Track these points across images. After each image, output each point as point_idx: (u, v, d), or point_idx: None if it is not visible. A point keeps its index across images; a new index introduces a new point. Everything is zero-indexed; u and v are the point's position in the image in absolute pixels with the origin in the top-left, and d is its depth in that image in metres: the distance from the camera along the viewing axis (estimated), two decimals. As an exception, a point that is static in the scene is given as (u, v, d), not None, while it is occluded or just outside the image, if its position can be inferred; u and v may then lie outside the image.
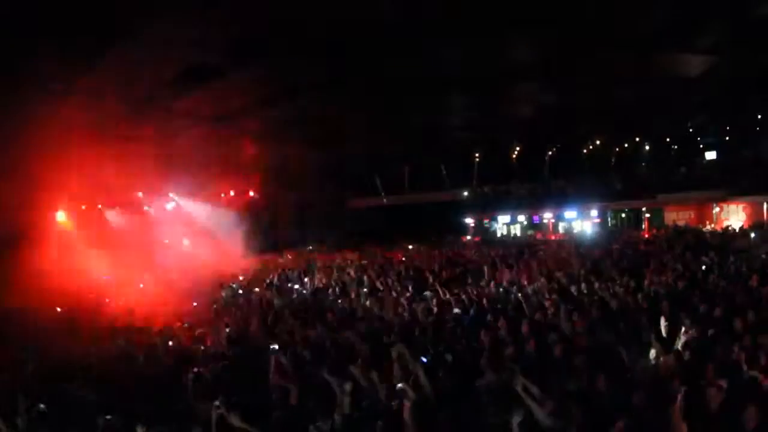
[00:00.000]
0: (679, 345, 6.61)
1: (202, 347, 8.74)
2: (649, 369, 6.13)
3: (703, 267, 12.36)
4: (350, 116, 21.97)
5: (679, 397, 4.53)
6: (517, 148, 34.71)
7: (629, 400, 5.08)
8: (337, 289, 13.60)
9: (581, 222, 32.97)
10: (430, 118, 25.05)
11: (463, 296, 10.92)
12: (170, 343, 9.29)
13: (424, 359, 6.85)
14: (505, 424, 4.70)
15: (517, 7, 13.30)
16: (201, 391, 6.41)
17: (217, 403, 5.45)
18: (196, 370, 6.96)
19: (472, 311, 9.67)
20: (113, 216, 20.22)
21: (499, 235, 34.41)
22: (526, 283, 11.96)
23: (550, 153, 34.92)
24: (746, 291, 9.20)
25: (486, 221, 35.97)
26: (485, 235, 33.68)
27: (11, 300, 12.79)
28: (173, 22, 12.20)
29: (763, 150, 27.59)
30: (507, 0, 13.04)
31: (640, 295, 9.63)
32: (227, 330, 9.77)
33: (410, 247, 25.31)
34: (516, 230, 35.22)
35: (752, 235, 19.23)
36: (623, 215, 33.21)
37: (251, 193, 28.63)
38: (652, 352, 6.46)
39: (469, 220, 35.31)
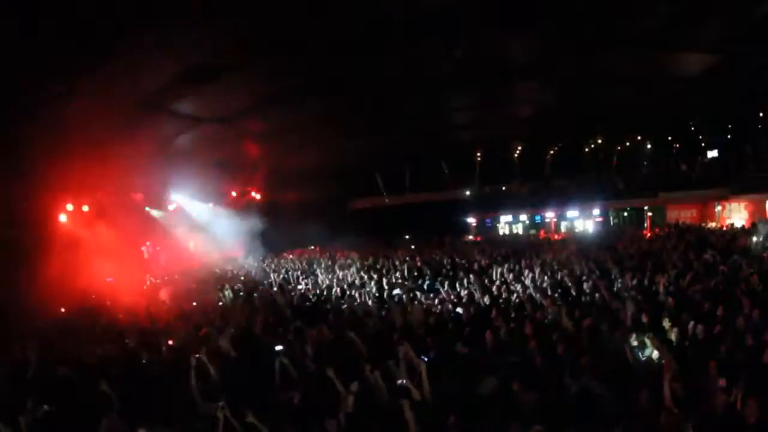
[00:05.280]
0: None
1: (206, 347, 8.74)
2: (651, 367, 6.13)
3: (705, 265, 12.34)
4: (351, 116, 21.99)
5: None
6: (519, 147, 34.72)
7: (631, 398, 5.09)
8: (339, 289, 13.62)
9: (583, 221, 32.97)
10: (432, 118, 25.08)
11: (464, 295, 10.95)
12: (173, 343, 9.31)
13: (426, 358, 6.88)
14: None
15: (518, 6, 13.32)
16: (206, 391, 6.43)
17: (221, 403, 5.46)
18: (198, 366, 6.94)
19: (473, 310, 9.70)
20: (115, 217, 20.22)
21: (501, 234, 34.42)
22: (528, 282, 11.96)
23: (551, 152, 34.92)
24: (749, 289, 9.19)
25: (488, 220, 36.00)
26: (487, 234, 33.68)
27: (15, 301, 12.82)
28: (172, 25, 12.24)
29: (764, 148, 27.50)
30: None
31: (642, 294, 9.63)
32: (232, 330, 9.79)
33: (412, 246, 25.32)
34: (518, 229, 35.24)
35: (754, 233, 19.18)
36: (625, 214, 33.19)
37: (253, 194, 28.64)
38: (655, 352, 6.47)
39: (471, 220, 35.34)
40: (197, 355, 6.87)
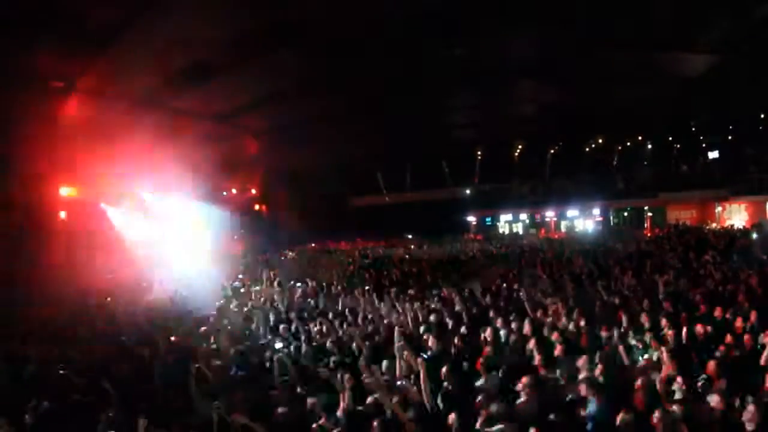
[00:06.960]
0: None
1: (205, 344, 8.75)
2: (649, 368, 6.13)
3: (705, 266, 12.33)
4: (352, 115, 21.98)
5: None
6: (519, 147, 34.68)
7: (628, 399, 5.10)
8: (339, 287, 13.61)
9: (583, 220, 32.97)
10: (432, 117, 25.08)
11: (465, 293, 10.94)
12: (173, 340, 9.31)
13: (425, 356, 6.88)
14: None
15: (519, 6, 13.32)
16: (204, 389, 6.43)
17: (216, 403, 5.46)
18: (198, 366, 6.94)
19: (474, 310, 9.68)
20: (115, 214, 20.22)
21: (501, 233, 34.45)
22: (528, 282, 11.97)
23: (552, 151, 34.88)
24: (748, 290, 9.18)
25: (488, 219, 36.02)
26: (487, 233, 33.70)
27: (16, 297, 12.83)
28: (174, 21, 12.24)
29: (765, 149, 27.47)
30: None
31: (641, 294, 9.62)
32: (230, 328, 9.80)
33: (412, 245, 25.35)
34: (518, 228, 35.24)
35: (754, 234, 19.18)
36: (625, 214, 33.20)
37: (253, 191, 28.63)
38: (654, 353, 6.47)
39: (471, 218, 35.35)
40: (197, 365, 6.82)
